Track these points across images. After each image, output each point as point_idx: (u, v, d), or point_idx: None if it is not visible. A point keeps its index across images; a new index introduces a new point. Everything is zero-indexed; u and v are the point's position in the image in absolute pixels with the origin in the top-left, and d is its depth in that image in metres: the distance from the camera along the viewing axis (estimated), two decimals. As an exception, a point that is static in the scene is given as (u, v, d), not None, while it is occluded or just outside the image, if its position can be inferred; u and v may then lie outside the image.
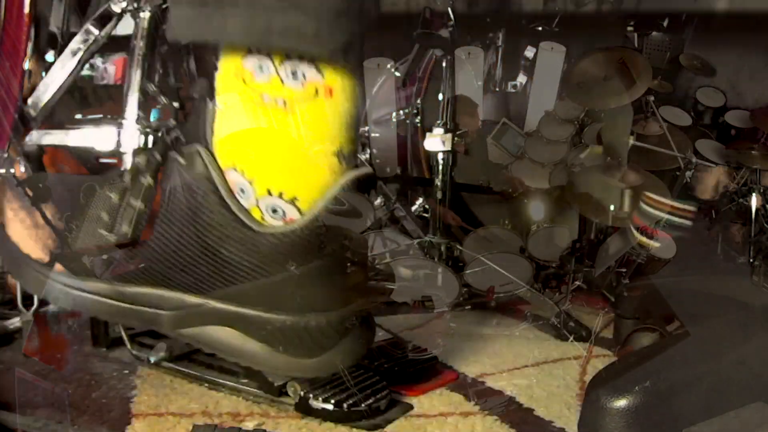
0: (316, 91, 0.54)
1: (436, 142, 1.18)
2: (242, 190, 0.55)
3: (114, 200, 0.58)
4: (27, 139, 0.96)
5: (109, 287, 0.58)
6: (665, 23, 1.41)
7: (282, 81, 0.53)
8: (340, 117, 0.55)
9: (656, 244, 0.99)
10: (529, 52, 1.40)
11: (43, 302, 0.87)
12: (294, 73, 0.53)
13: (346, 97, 0.55)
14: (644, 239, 1.00)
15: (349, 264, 0.57)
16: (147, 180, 0.58)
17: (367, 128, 1.27)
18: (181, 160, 0.56)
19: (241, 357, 0.57)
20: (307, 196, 0.55)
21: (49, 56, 1.04)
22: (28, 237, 0.63)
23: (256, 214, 0.55)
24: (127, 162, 0.88)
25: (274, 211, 0.55)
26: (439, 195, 1.19)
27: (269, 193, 0.54)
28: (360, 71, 0.56)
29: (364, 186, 0.57)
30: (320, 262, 0.55)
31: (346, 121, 0.55)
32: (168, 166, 0.57)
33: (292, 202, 0.55)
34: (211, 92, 0.57)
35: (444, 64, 1.21)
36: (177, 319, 0.57)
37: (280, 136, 0.54)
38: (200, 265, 0.56)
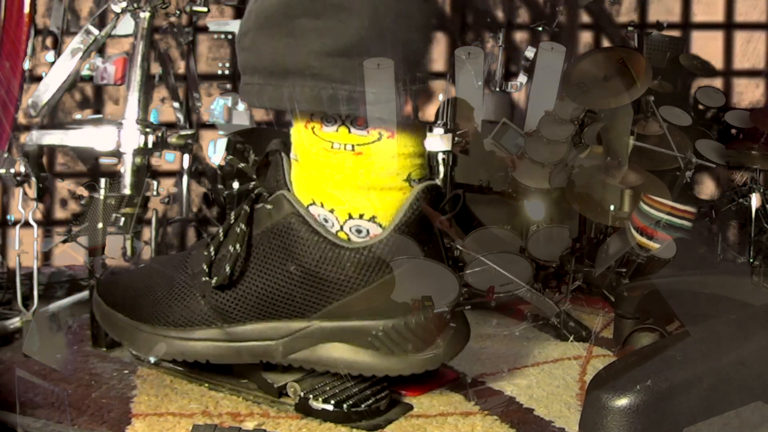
0: (380, 135, 0.61)
1: (436, 141, 1.18)
2: (325, 220, 0.62)
3: (212, 255, 0.65)
4: (27, 139, 0.96)
5: (218, 330, 0.64)
6: (665, 24, 1.41)
7: (349, 130, 0.61)
8: (404, 153, 0.62)
9: (656, 245, 0.99)
10: (530, 52, 1.40)
11: (43, 302, 0.87)
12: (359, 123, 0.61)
13: (408, 137, 0.63)
14: (644, 240, 1.00)
15: (439, 261, 0.62)
16: (241, 227, 0.63)
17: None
18: (269, 206, 0.63)
19: (352, 367, 0.62)
20: (384, 213, 0.62)
21: (49, 56, 1.04)
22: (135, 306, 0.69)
23: (343, 237, 0.62)
24: (127, 162, 0.89)
25: (359, 231, 0.62)
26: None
27: (350, 217, 0.62)
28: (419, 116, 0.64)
29: (435, 198, 0.63)
30: (411, 265, 0.61)
31: (410, 153, 0.63)
32: (258, 214, 0.64)
33: (373, 220, 0.62)
34: (285, 148, 0.65)
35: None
36: (287, 346, 0.63)
37: (353, 174, 0.62)
38: (301, 290, 0.62)
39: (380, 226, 0.62)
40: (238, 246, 0.63)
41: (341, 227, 0.62)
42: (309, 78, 0.59)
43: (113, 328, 0.71)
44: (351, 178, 0.62)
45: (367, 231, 0.62)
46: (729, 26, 1.52)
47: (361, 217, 0.62)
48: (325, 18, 0.58)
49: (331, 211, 0.62)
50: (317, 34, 0.58)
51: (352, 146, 0.61)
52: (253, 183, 0.67)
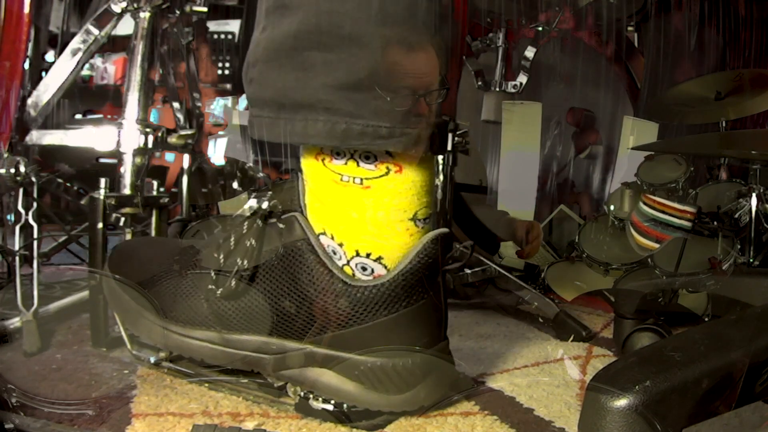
0: (388, 170, 0.61)
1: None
2: (334, 252, 0.63)
3: (220, 261, 0.66)
4: (27, 139, 0.96)
5: (216, 335, 0.66)
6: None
7: (357, 164, 0.61)
8: (411, 189, 0.62)
9: (656, 245, 0.99)
10: (530, 52, 1.40)
11: (43, 302, 0.87)
12: (367, 157, 0.61)
13: (415, 171, 0.62)
14: (644, 240, 1.00)
15: (431, 310, 0.63)
16: (251, 242, 0.64)
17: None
18: (281, 225, 0.64)
19: (336, 395, 0.63)
20: (391, 255, 0.62)
21: (49, 56, 1.04)
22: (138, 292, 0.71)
23: (348, 272, 0.62)
24: (127, 162, 0.89)
25: (364, 268, 0.62)
26: (439, 195, 1.19)
27: (358, 254, 0.62)
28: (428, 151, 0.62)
29: (444, 244, 0.63)
30: (406, 311, 0.62)
31: (417, 191, 0.63)
32: (269, 230, 0.65)
33: (379, 260, 0.62)
34: (300, 167, 0.65)
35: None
36: (279, 362, 0.64)
37: (360, 208, 0.62)
38: (300, 314, 0.63)
39: (385, 267, 0.62)
40: (245, 262, 0.64)
41: (348, 262, 0.62)
42: (322, 112, 0.58)
43: (117, 306, 0.72)
44: (359, 212, 0.62)
45: (372, 270, 0.62)
46: None
47: (368, 256, 0.62)
48: (337, 51, 0.58)
49: (341, 245, 0.62)
50: (329, 67, 0.58)
51: (360, 179, 0.61)
52: (269, 195, 0.68)
